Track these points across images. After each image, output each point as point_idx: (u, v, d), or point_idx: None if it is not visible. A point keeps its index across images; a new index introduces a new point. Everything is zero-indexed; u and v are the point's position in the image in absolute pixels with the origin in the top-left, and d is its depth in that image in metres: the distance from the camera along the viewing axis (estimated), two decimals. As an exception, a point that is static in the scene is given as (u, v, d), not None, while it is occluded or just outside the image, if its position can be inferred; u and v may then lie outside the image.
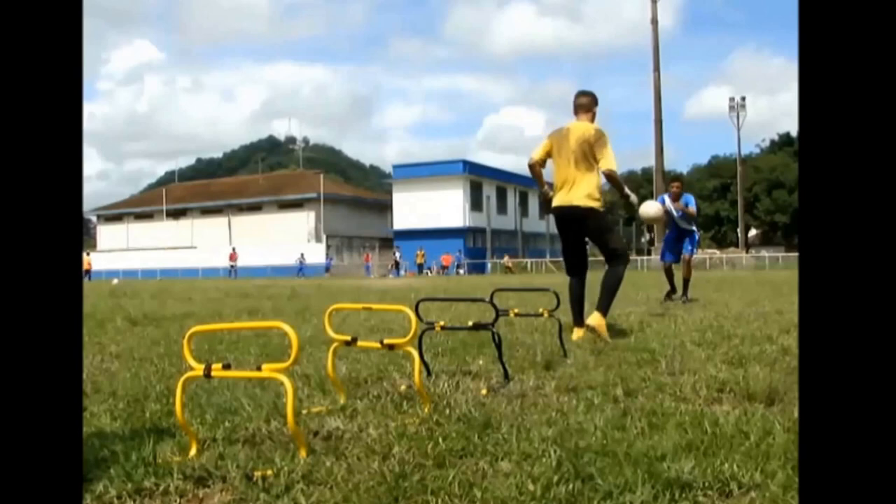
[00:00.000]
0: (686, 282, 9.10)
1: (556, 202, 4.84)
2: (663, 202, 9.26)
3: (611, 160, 4.70)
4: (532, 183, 60.51)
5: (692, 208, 9.10)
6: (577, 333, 4.64)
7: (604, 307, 4.63)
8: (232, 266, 42.36)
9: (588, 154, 4.69)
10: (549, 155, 4.92)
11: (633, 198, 5.09)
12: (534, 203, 58.57)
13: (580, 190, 4.72)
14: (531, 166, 4.97)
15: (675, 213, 9.03)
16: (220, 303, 10.30)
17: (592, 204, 4.75)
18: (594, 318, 4.51)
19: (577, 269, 4.98)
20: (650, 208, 7.56)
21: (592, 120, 4.89)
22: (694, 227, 9.27)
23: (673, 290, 9.14)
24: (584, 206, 4.72)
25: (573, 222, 4.82)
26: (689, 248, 9.14)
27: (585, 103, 4.93)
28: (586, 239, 4.96)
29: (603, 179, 4.90)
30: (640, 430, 2.16)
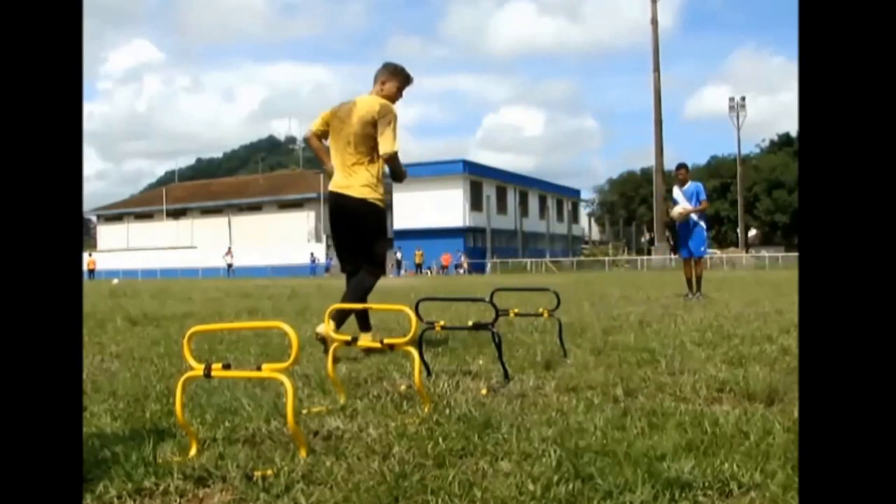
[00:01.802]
0: (697, 279, 9.30)
1: (330, 186, 4.18)
2: (675, 200, 9.42)
3: (391, 141, 4.00)
4: (532, 183, 60.98)
5: (704, 201, 9.42)
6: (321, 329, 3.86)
7: (341, 317, 4.02)
8: (229, 265, 42.37)
9: (371, 136, 4.02)
10: (327, 126, 4.22)
11: (405, 172, 4.35)
12: (534, 203, 58.63)
13: (358, 178, 4.06)
14: (307, 139, 4.35)
15: (684, 200, 9.23)
16: (220, 303, 10.30)
17: (370, 196, 4.09)
18: (325, 326, 3.65)
19: (351, 267, 4.25)
20: (679, 209, 9.25)
21: (390, 97, 4.15)
22: (702, 222, 9.38)
23: (691, 289, 9.25)
24: (359, 198, 4.06)
25: (347, 215, 4.14)
26: (700, 247, 9.36)
27: (377, 74, 4.20)
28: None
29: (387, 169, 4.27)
30: (640, 429, 2.16)
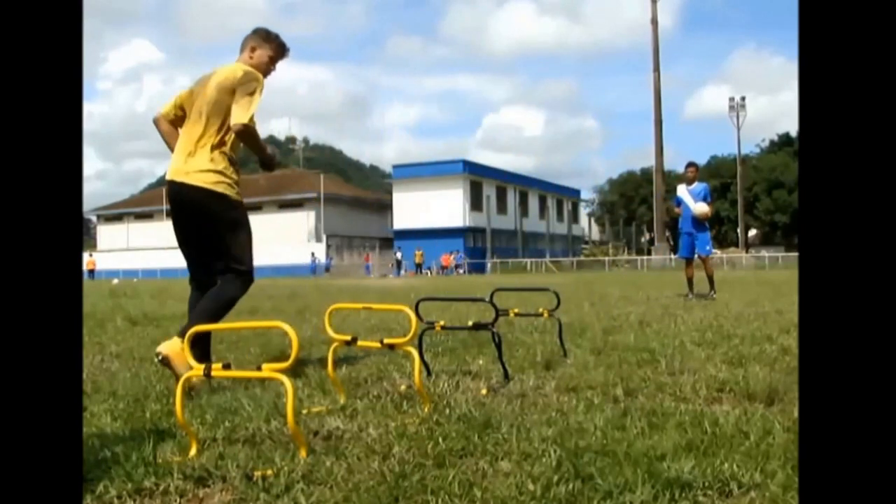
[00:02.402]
0: (710, 278, 9.27)
1: (168, 174, 3.33)
2: (679, 199, 9.39)
3: (244, 110, 3.17)
4: (532, 183, 60.98)
5: (708, 208, 9.34)
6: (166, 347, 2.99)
7: (187, 328, 2.73)
8: None
9: (227, 107, 3.23)
10: (182, 109, 3.43)
11: (273, 153, 3.53)
12: (534, 203, 58.64)
13: (199, 160, 3.23)
14: (155, 122, 3.48)
15: (691, 200, 9.22)
16: (220, 303, 10.29)
17: (216, 184, 3.22)
18: (168, 344, 2.95)
19: (202, 277, 3.38)
20: (702, 207, 9.15)
21: (259, 67, 3.39)
22: (706, 223, 9.36)
23: (691, 289, 9.23)
24: (200, 186, 3.19)
25: (185, 210, 3.30)
26: (706, 247, 9.33)
27: (245, 41, 3.48)
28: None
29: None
30: (640, 429, 2.16)
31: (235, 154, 3.37)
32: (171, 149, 3.41)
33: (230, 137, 3.28)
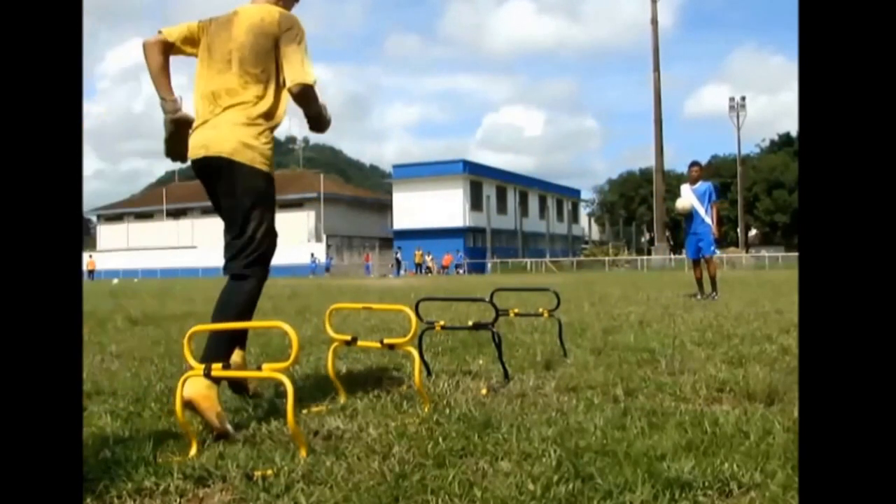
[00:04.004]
0: (712, 279, 9.28)
1: (192, 144, 2.68)
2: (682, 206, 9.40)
3: (302, 66, 2.60)
4: (532, 183, 61.06)
5: (715, 203, 9.38)
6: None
7: (216, 353, 2.40)
8: None
9: (264, 56, 2.62)
10: (190, 43, 2.77)
11: (328, 114, 2.82)
12: (534, 203, 58.65)
13: (232, 121, 2.59)
14: (145, 46, 2.71)
15: (695, 199, 9.21)
16: (220, 303, 10.29)
17: (245, 153, 2.57)
18: (192, 386, 2.18)
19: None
20: (683, 202, 9.27)
21: (286, 6, 2.79)
22: (708, 220, 9.33)
23: (701, 289, 9.23)
24: (229, 159, 2.56)
25: (218, 179, 2.65)
26: (711, 247, 9.32)
27: None
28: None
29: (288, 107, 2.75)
30: (640, 429, 2.16)
31: (273, 119, 2.71)
32: (157, 84, 2.72)
33: (282, 107, 2.71)
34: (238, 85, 2.62)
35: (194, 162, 2.68)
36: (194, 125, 2.70)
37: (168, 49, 2.75)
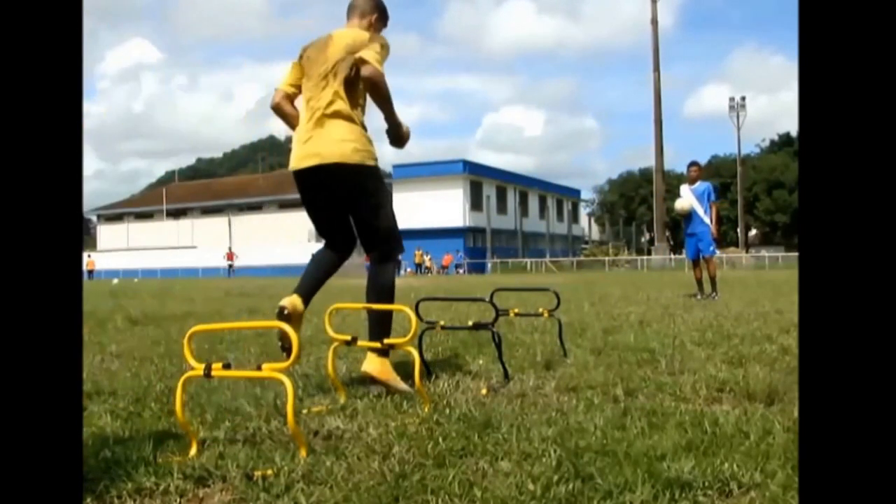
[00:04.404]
0: (712, 280, 9.27)
1: (294, 154, 3.05)
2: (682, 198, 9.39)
3: (375, 57, 2.93)
4: (532, 183, 61.10)
5: (714, 203, 9.39)
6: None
7: (379, 333, 2.93)
8: (230, 265, 42.46)
9: (356, 73, 2.95)
10: (301, 79, 3.14)
11: (404, 126, 3.15)
12: (534, 203, 58.66)
13: (335, 132, 2.94)
14: (275, 108, 3.18)
15: (693, 199, 9.20)
16: (221, 302, 10.30)
17: (354, 156, 2.93)
18: (372, 363, 2.86)
19: (341, 240, 3.16)
20: (683, 202, 9.26)
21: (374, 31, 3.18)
22: (707, 220, 9.33)
23: (701, 289, 9.23)
24: (340, 163, 2.91)
25: (323, 188, 3.01)
26: (710, 248, 9.32)
27: (359, 4, 3.19)
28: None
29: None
30: (640, 429, 2.16)
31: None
32: (290, 126, 3.19)
33: (363, 100, 3.06)
34: (337, 99, 2.96)
35: (306, 170, 2.98)
36: (301, 138, 3.02)
37: (293, 98, 3.19)
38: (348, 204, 3.04)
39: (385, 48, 3.01)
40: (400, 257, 3.34)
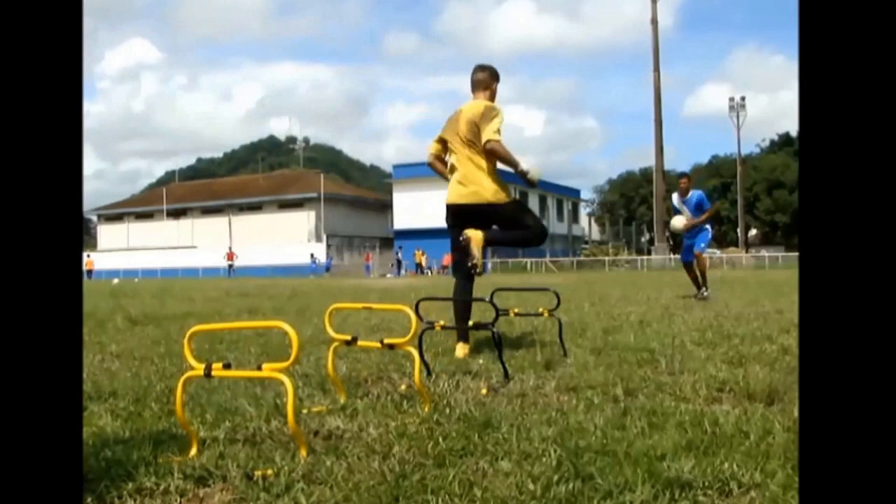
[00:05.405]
0: (702, 274, 9.28)
1: (459, 193, 4.11)
2: (675, 209, 9.42)
3: (490, 131, 3.95)
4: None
5: (709, 210, 9.38)
6: (462, 350, 3.95)
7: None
8: (230, 265, 42.48)
9: (479, 135, 4.02)
10: (445, 144, 4.29)
11: (527, 168, 4.13)
12: (534, 203, 58.54)
13: (476, 181, 4.03)
14: (430, 165, 4.38)
15: (686, 210, 9.21)
16: (221, 302, 10.30)
17: (492, 197, 4.03)
18: (472, 233, 3.96)
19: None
20: (678, 222, 9.25)
21: (491, 98, 4.21)
22: (707, 226, 9.35)
23: (698, 288, 9.25)
24: (480, 203, 4.03)
25: (468, 221, 4.07)
26: (701, 244, 9.34)
27: (482, 79, 4.21)
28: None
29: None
30: (640, 429, 2.16)
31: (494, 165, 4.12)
32: (446, 178, 4.27)
33: (491, 158, 4.05)
34: (472, 154, 4.06)
35: (462, 206, 4.09)
36: (456, 179, 4.14)
37: (441, 156, 4.35)
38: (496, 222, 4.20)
39: (499, 117, 4.01)
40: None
